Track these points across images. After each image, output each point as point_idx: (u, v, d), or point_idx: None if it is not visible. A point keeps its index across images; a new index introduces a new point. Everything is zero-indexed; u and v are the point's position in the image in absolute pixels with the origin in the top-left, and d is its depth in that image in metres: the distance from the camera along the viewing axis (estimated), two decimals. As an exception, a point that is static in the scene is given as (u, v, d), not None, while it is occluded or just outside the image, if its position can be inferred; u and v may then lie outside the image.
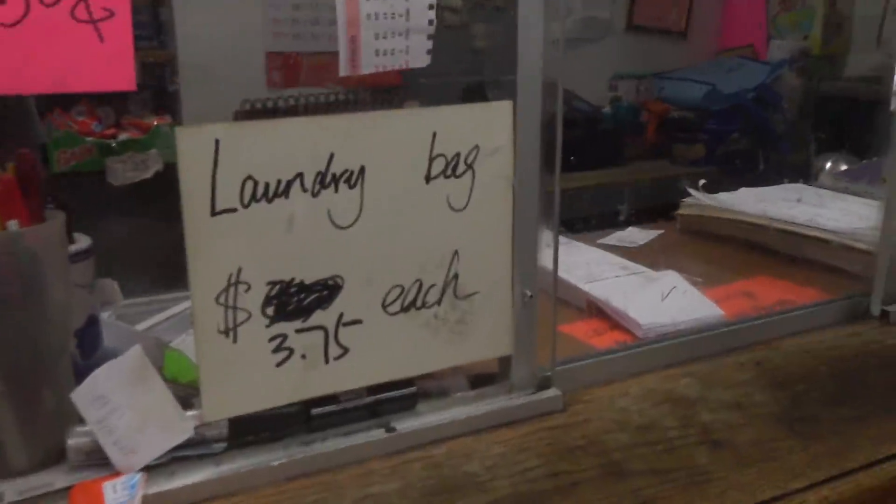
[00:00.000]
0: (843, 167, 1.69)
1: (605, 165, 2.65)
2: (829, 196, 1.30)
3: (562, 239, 1.13)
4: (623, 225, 1.30)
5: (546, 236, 0.71)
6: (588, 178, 2.55)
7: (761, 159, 2.64)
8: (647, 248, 1.18)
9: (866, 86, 2.77)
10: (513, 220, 0.68)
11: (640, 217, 1.48)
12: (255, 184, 0.58)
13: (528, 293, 0.70)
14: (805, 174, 1.80)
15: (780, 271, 1.06)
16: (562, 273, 0.96)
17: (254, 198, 0.58)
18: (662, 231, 1.26)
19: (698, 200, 1.25)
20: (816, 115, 2.75)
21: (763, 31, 3.15)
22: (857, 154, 1.91)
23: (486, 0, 2.83)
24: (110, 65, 0.52)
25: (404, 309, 0.66)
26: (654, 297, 0.90)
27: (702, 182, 1.28)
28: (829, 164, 1.73)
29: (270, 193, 0.59)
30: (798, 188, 1.37)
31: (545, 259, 0.72)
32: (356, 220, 0.62)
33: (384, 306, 0.65)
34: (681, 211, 1.25)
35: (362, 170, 0.61)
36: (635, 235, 1.23)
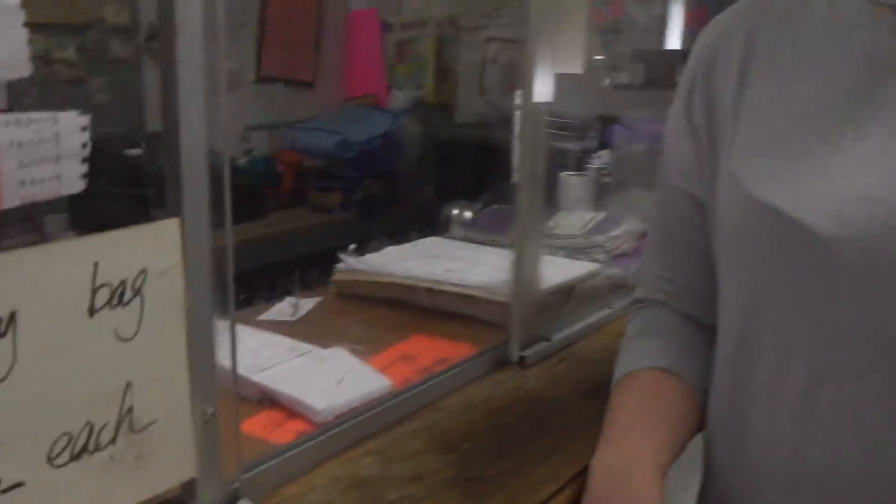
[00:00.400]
0: (468, 214, 1.89)
1: (246, 219, 2.65)
2: (462, 248, 1.45)
3: (221, 323, 1.12)
4: (280, 295, 1.32)
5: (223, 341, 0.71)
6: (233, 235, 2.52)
7: (394, 204, 2.83)
8: (308, 319, 1.21)
9: (476, 131, 3.13)
10: (187, 340, 0.66)
11: (293, 272, 1.51)
12: None
13: (209, 410, 0.69)
14: (435, 221, 1.98)
15: (433, 328, 1.16)
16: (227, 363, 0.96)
17: None
18: (320, 298, 1.30)
19: (349, 265, 1.31)
20: (437, 160, 3.03)
21: (383, 81, 3.39)
22: (475, 198, 2.15)
23: (104, 52, 2.68)
24: None
25: (74, 457, 0.60)
26: (327, 378, 0.93)
27: (352, 246, 1.35)
28: (455, 212, 1.92)
29: None
30: (435, 242, 1.51)
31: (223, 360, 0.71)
32: (8, 372, 0.56)
33: (50, 460, 0.59)
34: (335, 277, 1.31)
35: (13, 316, 0.55)
36: (294, 307, 1.25)
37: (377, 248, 1.43)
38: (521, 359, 1.07)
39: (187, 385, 0.67)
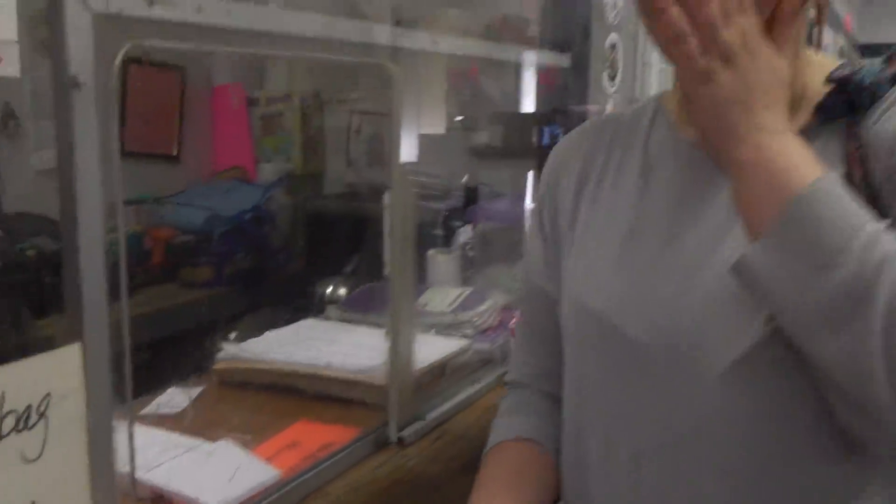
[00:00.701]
0: (342, 291, 1.96)
1: (115, 298, 2.60)
2: (339, 330, 1.52)
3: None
4: (160, 384, 1.34)
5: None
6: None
7: (266, 278, 2.86)
8: (192, 411, 1.24)
9: (342, 201, 3.23)
10: (89, 455, 0.70)
11: (170, 355, 1.52)
12: None
13: (111, 520, 0.73)
14: (309, 296, 2.04)
15: (316, 412, 1.21)
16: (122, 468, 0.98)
17: None
18: (203, 387, 1.33)
19: (231, 353, 1.35)
20: (308, 232, 3.09)
21: (250, 154, 3.43)
22: (351, 272, 2.23)
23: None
24: None
25: (-17, 576, 0.63)
26: (216, 473, 0.97)
27: (233, 334, 1.39)
28: (329, 290, 1.99)
29: None
30: (312, 325, 1.57)
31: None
32: (-79, 501, 0.59)
33: (-40, 581, 0.62)
34: (217, 366, 1.35)
35: (-76, 449, 0.59)
36: (177, 398, 1.28)
37: (256, 333, 1.48)
38: (400, 439, 1.15)
39: (88, 499, 0.71)
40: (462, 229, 2.16)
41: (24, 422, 0.65)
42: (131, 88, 3.14)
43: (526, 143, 2.53)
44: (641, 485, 0.74)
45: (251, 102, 3.51)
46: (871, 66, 0.68)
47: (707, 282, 0.70)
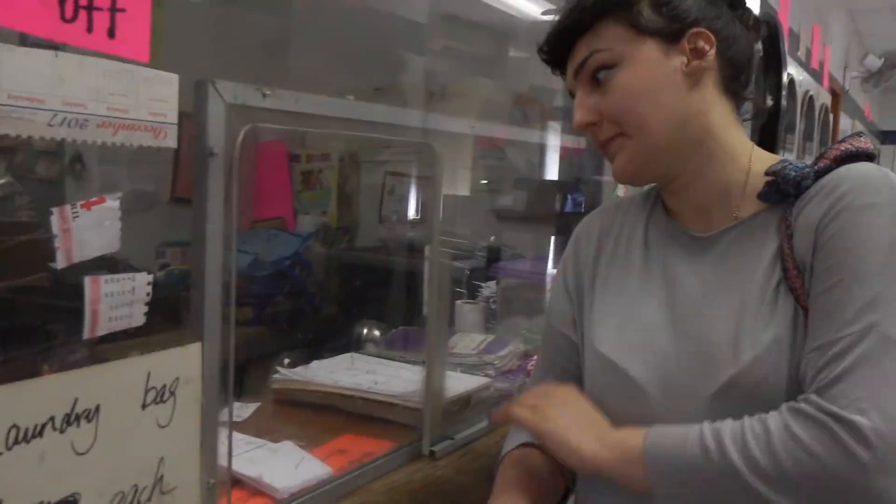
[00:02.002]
0: (377, 332, 2.17)
1: (163, 331, 2.83)
2: (376, 363, 1.73)
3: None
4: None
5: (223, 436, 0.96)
6: (147, 346, 2.69)
7: (302, 319, 3.08)
8: (254, 420, 1.45)
9: (373, 254, 3.46)
10: (201, 429, 0.91)
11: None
12: (18, 430, 0.73)
13: (212, 481, 0.93)
14: (342, 336, 2.25)
15: (358, 429, 1.41)
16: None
17: (16, 441, 0.73)
18: (260, 403, 1.53)
19: (286, 375, 1.56)
20: (341, 279, 3.31)
21: (290, 206, 3.68)
22: (382, 317, 2.44)
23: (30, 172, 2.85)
24: None
25: (125, 510, 0.84)
26: (281, 465, 1.17)
27: (287, 360, 1.60)
28: (364, 331, 2.21)
29: (29, 436, 0.74)
30: (352, 357, 1.77)
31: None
32: (91, 446, 0.80)
33: (110, 511, 0.82)
34: (275, 385, 1.55)
35: (98, 407, 0.80)
36: (241, 409, 1.48)
37: (303, 363, 1.69)
38: (432, 453, 1.34)
39: (198, 461, 0.92)
40: (487, 284, 2.38)
41: (160, 396, 0.86)
42: (183, 141, 3.42)
43: (548, 208, 2.74)
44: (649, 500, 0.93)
45: (293, 158, 3.78)
46: (796, 163, 0.90)
47: (688, 337, 0.91)
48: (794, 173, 0.89)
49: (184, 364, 0.89)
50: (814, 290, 0.84)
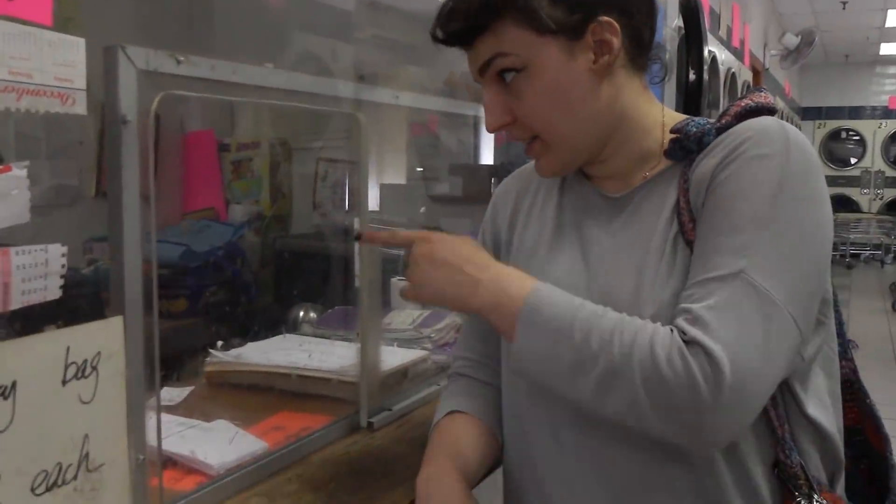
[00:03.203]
0: (313, 315, 2.16)
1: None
2: (311, 342, 1.71)
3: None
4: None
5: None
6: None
7: (237, 308, 3.03)
8: (186, 404, 1.42)
9: (308, 241, 3.43)
10: (126, 404, 0.89)
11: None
12: (-73, 408, 0.70)
13: (140, 457, 0.91)
14: (279, 322, 2.23)
15: (294, 406, 1.40)
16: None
17: (-74, 420, 0.70)
18: (193, 387, 1.51)
19: (219, 358, 1.54)
20: (276, 268, 3.27)
21: (221, 196, 3.62)
22: (319, 301, 2.41)
23: None
24: None
25: (49, 489, 0.81)
26: (215, 443, 1.15)
27: (220, 343, 1.57)
28: (301, 314, 2.19)
29: (-60, 414, 0.71)
30: (287, 338, 1.76)
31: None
32: (9, 425, 0.77)
33: (33, 490, 0.80)
34: (207, 368, 1.53)
35: (14, 384, 0.77)
36: (174, 394, 1.46)
37: (238, 346, 1.66)
38: (370, 424, 1.34)
39: (125, 437, 0.89)
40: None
41: (81, 372, 0.84)
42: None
43: (483, 192, 2.75)
44: (562, 452, 0.95)
45: (222, 148, 3.71)
46: (699, 120, 0.92)
47: (599, 295, 0.92)
48: (695, 129, 0.91)
49: (105, 338, 0.86)
50: (697, 232, 0.86)
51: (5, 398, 0.76)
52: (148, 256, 0.95)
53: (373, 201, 3.39)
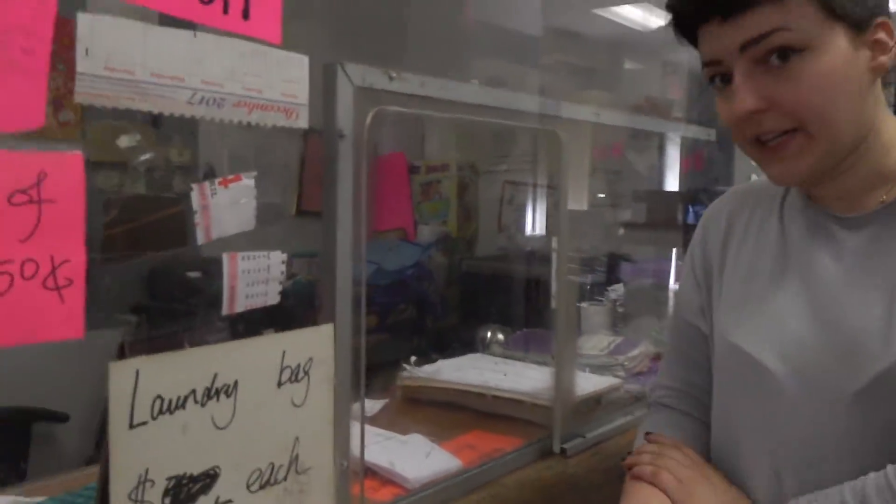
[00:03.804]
0: (500, 336, 2.15)
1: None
2: (502, 363, 1.70)
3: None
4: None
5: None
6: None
7: (424, 327, 3.10)
8: (382, 416, 1.45)
9: (494, 263, 3.44)
10: (333, 410, 0.91)
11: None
12: (162, 400, 0.74)
13: (344, 463, 0.92)
14: (465, 342, 2.24)
15: (487, 425, 1.38)
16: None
17: (160, 411, 0.74)
18: (388, 399, 1.53)
19: (413, 373, 1.56)
20: (462, 288, 3.31)
21: (411, 216, 3.73)
22: (504, 322, 2.40)
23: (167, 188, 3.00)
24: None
25: (262, 486, 0.84)
26: (411, 456, 1.16)
27: (413, 358, 1.59)
28: (489, 334, 2.18)
29: (172, 407, 0.75)
30: (478, 357, 1.75)
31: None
32: (230, 421, 0.80)
33: (248, 486, 0.82)
34: (403, 382, 1.55)
35: (236, 383, 0.81)
36: (370, 406, 1.49)
37: (431, 362, 1.68)
38: (563, 450, 1.30)
39: (331, 443, 0.91)
40: (613, 287, 2.31)
41: (295, 376, 0.86)
42: (309, 154, 3.52)
43: (670, 220, 2.64)
44: (780, 492, 0.87)
45: (412, 170, 3.83)
46: None
47: (830, 325, 0.84)
48: None
49: (317, 344, 0.89)
50: None
51: (228, 396, 0.80)
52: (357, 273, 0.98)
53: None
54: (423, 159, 3.89)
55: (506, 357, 1.77)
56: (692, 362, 1.04)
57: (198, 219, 0.76)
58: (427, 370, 1.58)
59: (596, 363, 1.71)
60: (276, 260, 0.83)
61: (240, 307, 0.81)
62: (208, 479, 0.79)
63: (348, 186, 0.94)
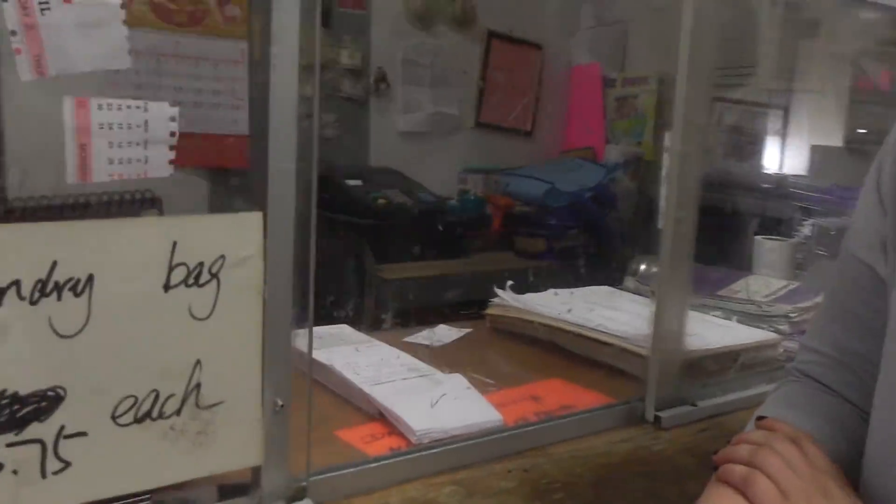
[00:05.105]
0: (655, 269, 1.79)
1: (451, 256, 2.70)
2: (627, 299, 1.37)
3: (361, 336, 1.13)
4: (435, 322, 1.31)
5: (303, 339, 0.71)
6: (431, 268, 2.59)
7: (595, 256, 2.76)
8: (452, 347, 1.20)
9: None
10: (263, 330, 0.67)
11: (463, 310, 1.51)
12: (-37, 292, 0.55)
13: (280, 402, 0.69)
14: (624, 274, 1.89)
15: (573, 373, 1.09)
16: (350, 374, 0.96)
17: (-40, 308, 0.55)
18: (472, 329, 1.28)
19: (504, 301, 1.28)
20: (647, 218, 2.91)
21: (601, 135, 3.35)
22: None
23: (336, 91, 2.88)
24: None
25: (138, 420, 0.62)
26: (433, 401, 0.90)
27: (509, 283, 1.31)
28: (643, 266, 1.83)
29: (-17, 301, 0.55)
30: (601, 291, 1.43)
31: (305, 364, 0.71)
32: (82, 329, 0.59)
33: (114, 417, 0.61)
34: (488, 311, 1.28)
35: (90, 278, 0.59)
36: (443, 334, 1.24)
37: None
38: (657, 418, 0.98)
39: (259, 373, 0.68)
40: (812, 221, 1.85)
41: (194, 278, 0.63)
42: (493, 62, 3.24)
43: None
44: None
45: (607, 84, 3.42)
46: None
47: None
48: None
49: (234, 238, 0.65)
50: None
51: (77, 295, 0.58)
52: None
53: (800, 164, 2.84)
54: (621, 71, 3.46)
55: (639, 292, 1.44)
56: (856, 320, 0.70)
57: (17, 43, 0.53)
58: (525, 300, 1.29)
59: (749, 311, 1.32)
60: (158, 114, 0.59)
61: (99, 175, 0.58)
62: (44, 401, 0.58)
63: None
